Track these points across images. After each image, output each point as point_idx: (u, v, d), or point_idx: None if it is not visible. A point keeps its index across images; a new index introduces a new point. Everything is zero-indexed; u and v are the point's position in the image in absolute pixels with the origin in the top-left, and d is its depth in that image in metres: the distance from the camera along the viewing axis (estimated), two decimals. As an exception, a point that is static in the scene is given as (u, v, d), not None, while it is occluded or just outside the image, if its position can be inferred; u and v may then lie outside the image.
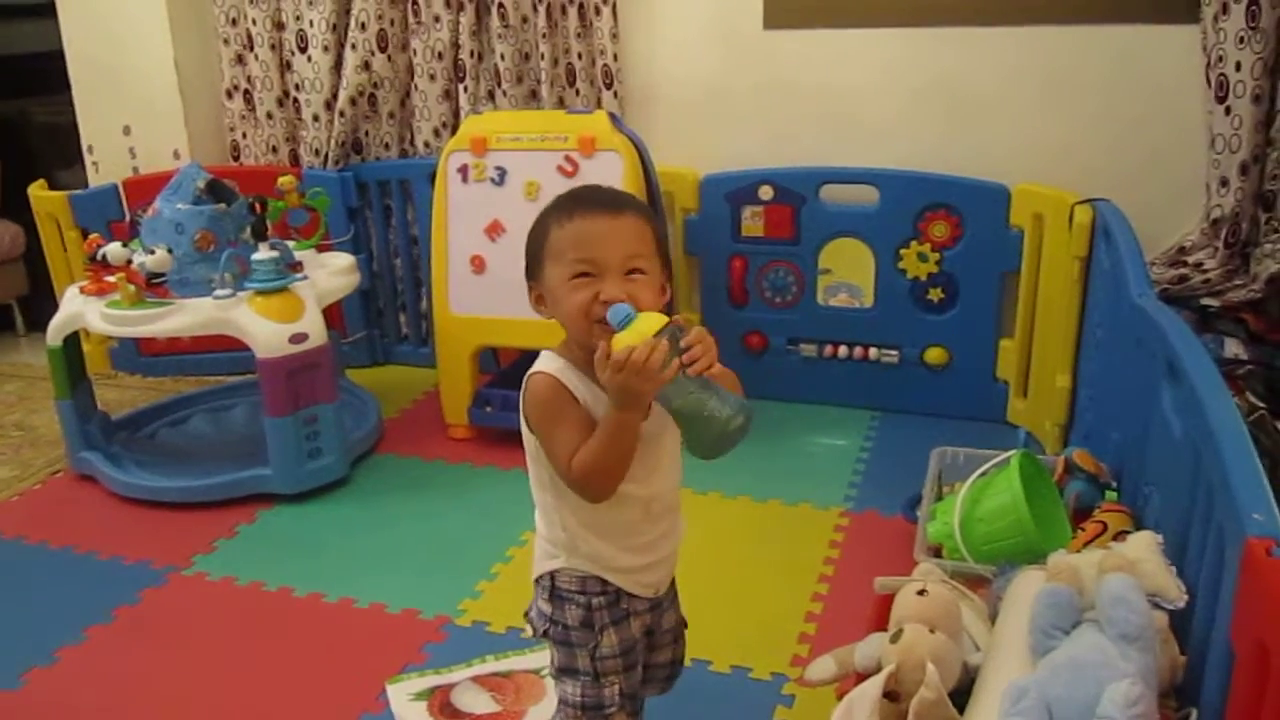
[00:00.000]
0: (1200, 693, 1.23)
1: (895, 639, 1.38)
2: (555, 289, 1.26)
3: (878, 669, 1.39)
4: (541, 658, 1.42)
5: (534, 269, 1.31)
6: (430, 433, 3.03)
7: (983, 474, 1.99)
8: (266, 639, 2.12)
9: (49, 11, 3.62)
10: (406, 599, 2.21)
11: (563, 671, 1.38)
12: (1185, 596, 1.30)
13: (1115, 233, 2.29)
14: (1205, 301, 2.57)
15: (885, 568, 1.74)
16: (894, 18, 2.92)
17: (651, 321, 1.18)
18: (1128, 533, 1.60)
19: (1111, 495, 1.88)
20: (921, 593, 1.44)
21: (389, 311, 3.64)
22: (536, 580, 1.39)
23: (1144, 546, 1.36)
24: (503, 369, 3.18)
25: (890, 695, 1.33)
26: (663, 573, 1.40)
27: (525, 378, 1.30)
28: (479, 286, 2.82)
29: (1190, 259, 2.62)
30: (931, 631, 1.37)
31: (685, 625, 1.51)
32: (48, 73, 3.82)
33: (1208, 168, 2.61)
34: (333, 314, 3.07)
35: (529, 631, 1.41)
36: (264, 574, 2.33)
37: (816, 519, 2.50)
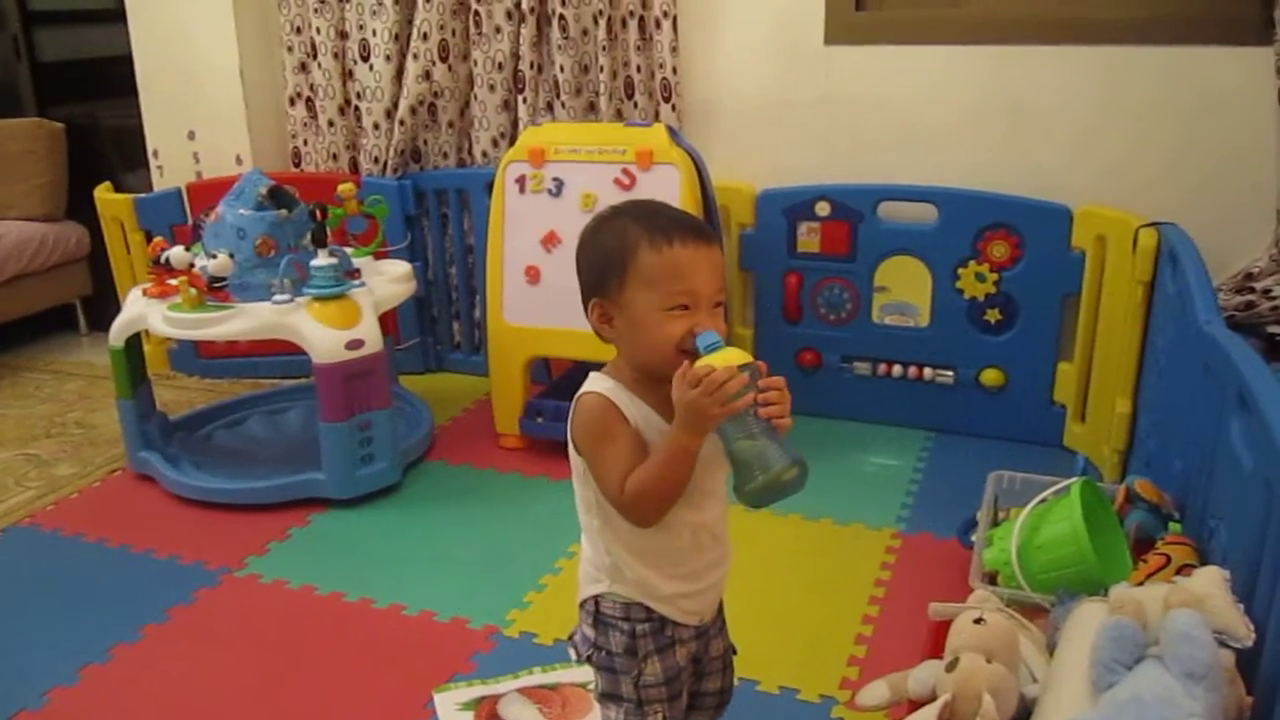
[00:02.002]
0: (1268, 735, 1.20)
1: (951, 668, 1.36)
2: (643, 315, 1.21)
3: (932, 697, 1.37)
4: (588, 671, 1.41)
5: (606, 286, 1.24)
6: (481, 441, 3.04)
7: (1042, 500, 1.96)
8: (317, 643, 2.14)
9: (118, 17, 3.70)
10: (455, 607, 2.22)
11: (606, 697, 1.37)
12: (1253, 635, 1.27)
13: (1182, 257, 2.24)
14: (1273, 330, 2.51)
15: (938, 592, 1.72)
16: (956, 35, 2.90)
17: (736, 355, 1.18)
18: (1192, 566, 1.56)
19: (1175, 527, 1.84)
20: (979, 621, 1.42)
21: (443, 319, 3.67)
22: (581, 605, 1.38)
23: (1211, 582, 1.33)
24: (555, 379, 3.19)
25: (945, 725, 1.31)
26: (708, 601, 1.37)
27: (574, 399, 1.28)
28: (533, 297, 2.83)
29: (1258, 285, 2.57)
30: (989, 662, 1.35)
31: (735, 652, 1.49)
32: (115, 77, 3.90)
33: (1278, 193, 2.55)
34: (387, 321, 3.09)
35: (573, 656, 1.40)
36: (315, 578, 2.35)
37: (868, 539, 2.48)
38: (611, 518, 1.28)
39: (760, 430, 1.17)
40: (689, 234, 1.22)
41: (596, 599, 1.34)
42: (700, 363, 1.17)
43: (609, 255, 1.24)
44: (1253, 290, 2.57)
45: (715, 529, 1.33)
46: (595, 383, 1.27)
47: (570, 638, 1.42)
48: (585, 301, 1.29)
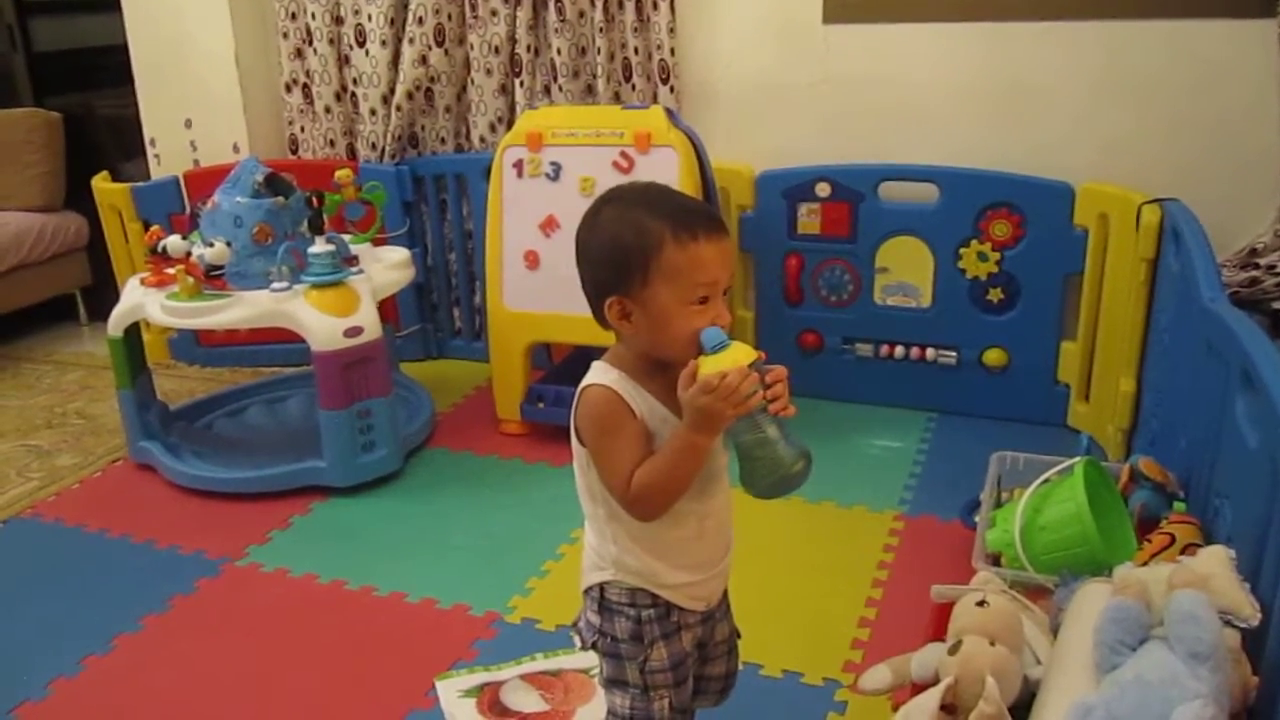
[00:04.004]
0: (1274, 716, 1.18)
1: (954, 651, 1.35)
2: (667, 311, 1.17)
3: (935, 680, 1.36)
4: (591, 657, 1.40)
5: (628, 283, 1.19)
6: (483, 428, 3.03)
7: (1045, 481, 1.95)
8: (318, 631, 2.14)
9: (113, 6, 3.67)
10: (457, 594, 2.22)
11: (612, 683, 1.36)
12: (1259, 615, 1.25)
13: (1185, 234, 2.22)
14: (1278, 306, 2.49)
15: (941, 574, 1.71)
16: (955, 12, 2.86)
17: (743, 352, 1.16)
18: (1197, 546, 1.55)
19: (1179, 506, 1.82)
20: (981, 603, 1.41)
21: (443, 306, 3.66)
22: (585, 591, 1.36)
23: (1216, 561, 1.31)
24: (556, 365, 3.17)
25: (948, 708, 1.30)
26: (714, 587, 1.36)
27: (579, 390, 1.25)
28: (533, 282, 2.82)
29: (1262, 261, 2.54)
30: (991, 644, 1.34)
31: (739, 636, 1.48)
32: (112, 66, 3.88)
33: (1282, 167, 2.53)
34: (387, 308, 3.08)
35: (578, 643, 1.39)
36: (317, 566, 2.35)
37: (871, 522, 2.47)
38: (618, 508, 1.26)
39: (769, 425, 1.17)
40: (712, 227, 1.20)
41: (602, 586, 1.33)
42: (707, 363, 1.14)
43: (628, 250, 1.18)
44: (1257, 266, 2.55)
45: (721, 517, 1.32)
46: (600, 374, 1.24)
47: (574, 624, 1.41)
48: (598, 296, 1.23)
